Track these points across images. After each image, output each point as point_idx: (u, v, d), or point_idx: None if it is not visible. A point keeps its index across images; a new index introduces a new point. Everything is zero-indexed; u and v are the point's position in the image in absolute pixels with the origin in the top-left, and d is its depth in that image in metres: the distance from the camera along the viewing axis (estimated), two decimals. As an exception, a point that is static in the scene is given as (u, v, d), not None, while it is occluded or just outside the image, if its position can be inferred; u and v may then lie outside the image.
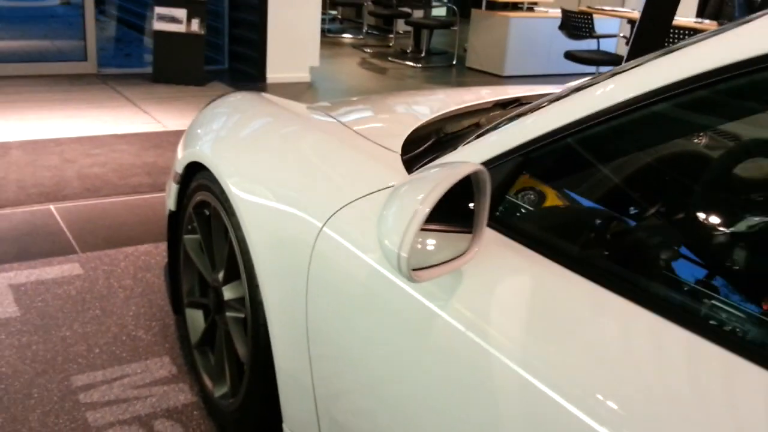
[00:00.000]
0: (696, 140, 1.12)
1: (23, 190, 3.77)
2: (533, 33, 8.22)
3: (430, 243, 1.02)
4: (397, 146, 1.54)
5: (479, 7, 8.74)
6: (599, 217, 1.12)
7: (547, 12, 8.59)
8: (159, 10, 6.45)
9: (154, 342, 2.49)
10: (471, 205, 1.08)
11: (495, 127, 1.22)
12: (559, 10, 7.37)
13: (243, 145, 1.87)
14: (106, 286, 2.85)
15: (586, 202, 1.14)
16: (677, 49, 1.02)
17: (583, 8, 7.89)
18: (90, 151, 4.49)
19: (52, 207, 3.59)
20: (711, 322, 0.91)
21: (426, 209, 0.96)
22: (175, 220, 2.28)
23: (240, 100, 2.19)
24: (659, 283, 0.99)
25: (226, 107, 2.18)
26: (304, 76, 7.06)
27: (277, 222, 1.59)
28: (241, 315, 1.86)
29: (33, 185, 3.84)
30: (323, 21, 11.53)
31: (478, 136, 1.24)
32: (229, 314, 1.96)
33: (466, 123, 1.64)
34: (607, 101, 1.03)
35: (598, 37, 6.76)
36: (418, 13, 9.83)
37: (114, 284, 2.87)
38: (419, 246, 1.00)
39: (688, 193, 1.08)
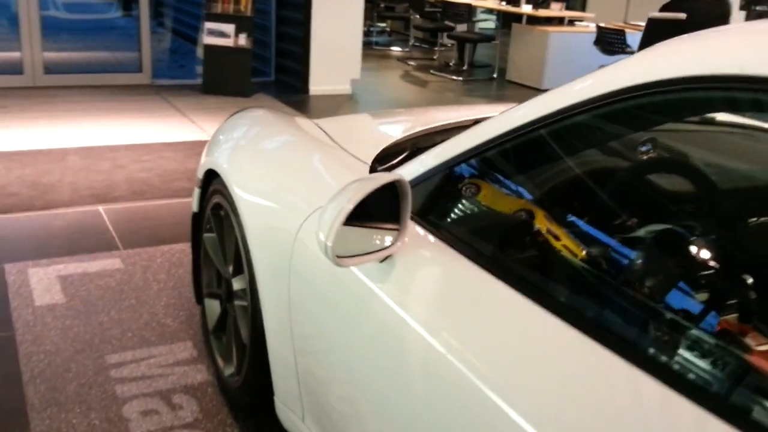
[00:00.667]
0: (581, 157, 1.36)
1: (76, 192, 4.15)
2: (572, 47, 8.37)
3: (358, 237, 1.28)
4: (370, 159, 1.80)
5: (520, 21, 8.95)
6: (503, 222, 1.37)
7: (588, 27, 8.75)
8: (209, 24, 6.85)
9: (180, 329, 2.80)
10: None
11: (431, 149, 1.48)
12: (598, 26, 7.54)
13: (247, 156, 2.17)
14: (143, 279, 3.18)
15: (493, 211, 1.39)
16: (561, 86, 1.27)
17: (620, 24, 8.03)
18: (139, 158, 4.87)
19: (100, 208, 3.96)
20: (573, 313, 1.15)
21: (349, 207, 1.22)
22: (198, 220, 2.59)
23: (253, 115, 2.48)
24: (543, 279, 1.24)
25: (242, 120, 2.48)
26: (345, 88, 7.38)
27: (268, 221, 1.88)
28: (245, 303, 2.15)
29: (85, 188, 4.22)
30: (371, 33, 11.89)
31: (420, 155, 1.51)
32: (236, 303, 2.25)
33: (433, 140, 1.90)
34: (505, 127, 1.29)
35: (631, 52, 6.91)
36: (463, 27, 10.07)
37: (149, 278, 3.20)
38: (348, 238, 1.27)
39: (575, 204, 1.32)
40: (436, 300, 1.30)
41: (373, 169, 1.77)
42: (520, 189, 1.36)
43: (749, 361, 0.98)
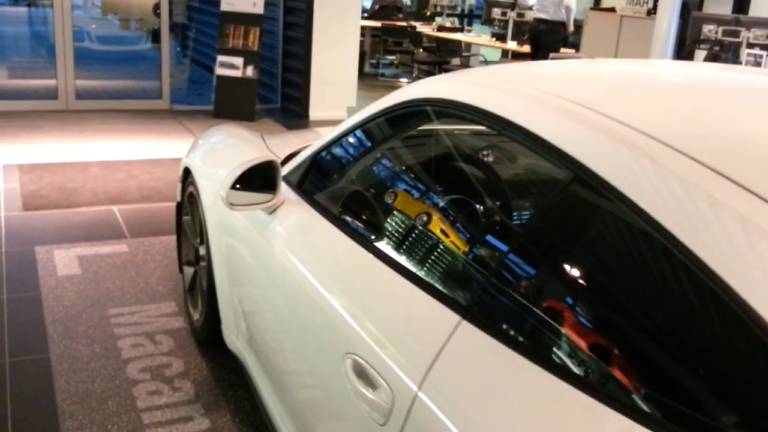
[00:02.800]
0: (378, 146, 2.17)
1: (95, 195, 5.04)
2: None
3: (248, 196, 2.10)
4: (282, 156, 2.64)
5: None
6: (344, 192, 2.18)
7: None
8: (220, 57, 7.79)
9: (167, 293, 3.63)
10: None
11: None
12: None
13: (209, 156, 3.01)
14: (143, 259, 4.03)
15: (340, 184, 2.21)
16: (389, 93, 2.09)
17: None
18: (150, 170, 5.76)
19: (114, 208, 4.83)
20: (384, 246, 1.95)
21: (238, 173, 2.05)
22: (180, 208, 3.43)
23: (225, 129, 3.33)
24: (371, 231, 2.04)
25: (216, 132, 3.33)
26: (341, 114, 8.24)
27: (214, 198, 2.71)
28: (205, 263, 2.97)
29: (103, 192, 5.11)
30: (378, 65, 12.80)
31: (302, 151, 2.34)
32: (201, 264, 3.08)
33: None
34: (340, 130, 2.11)
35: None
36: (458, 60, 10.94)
37: (148, 258, 4.05)
38: (242, 196, 2.09)
39: (392, 181, 2.13)
40: (299, 237, 2.11)
41: (284, 162, 2.60)
42: (353, 170, 2.18)
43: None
